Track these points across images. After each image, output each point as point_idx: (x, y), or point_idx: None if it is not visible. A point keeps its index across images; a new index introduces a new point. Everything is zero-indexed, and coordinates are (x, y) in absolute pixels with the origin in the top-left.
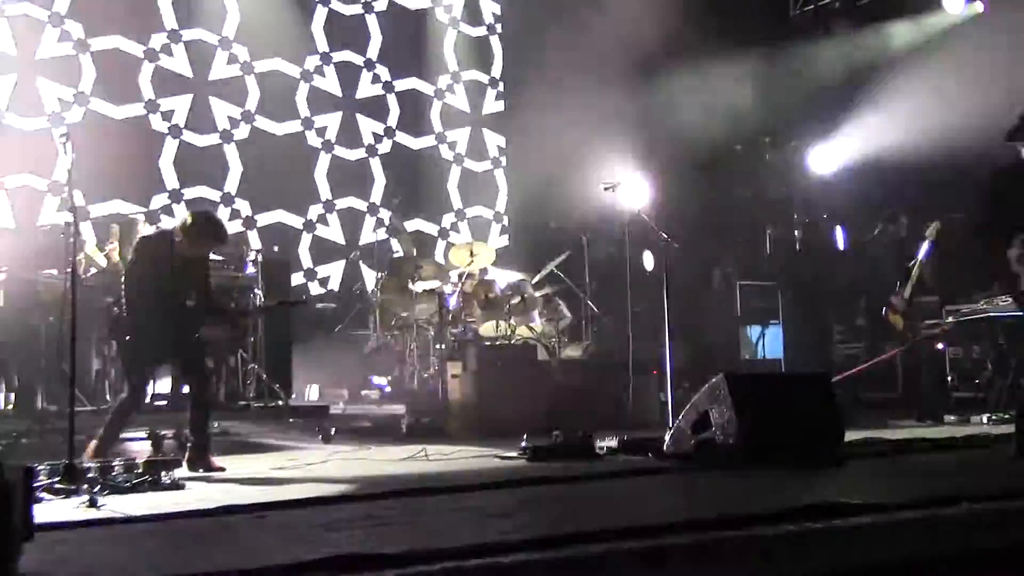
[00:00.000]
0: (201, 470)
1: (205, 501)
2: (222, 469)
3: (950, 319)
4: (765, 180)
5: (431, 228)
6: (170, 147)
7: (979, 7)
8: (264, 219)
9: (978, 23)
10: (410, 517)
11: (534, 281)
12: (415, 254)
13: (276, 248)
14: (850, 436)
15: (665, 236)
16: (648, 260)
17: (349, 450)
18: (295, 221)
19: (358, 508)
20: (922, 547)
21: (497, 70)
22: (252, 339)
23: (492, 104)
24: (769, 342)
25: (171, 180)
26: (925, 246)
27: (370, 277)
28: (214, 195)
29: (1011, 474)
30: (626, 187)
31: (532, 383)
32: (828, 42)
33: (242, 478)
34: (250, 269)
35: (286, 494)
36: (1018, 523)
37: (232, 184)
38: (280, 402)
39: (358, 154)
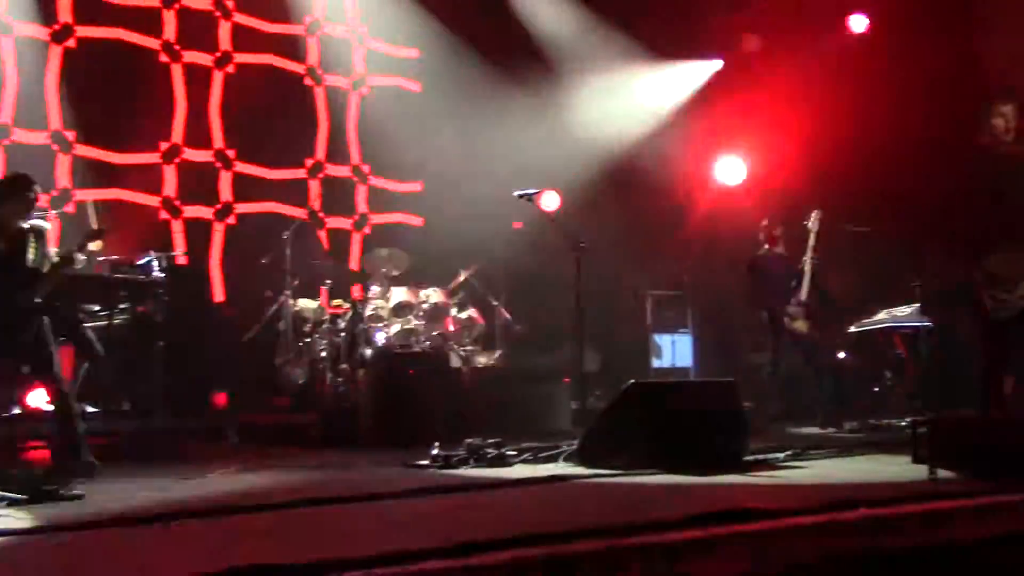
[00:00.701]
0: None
1: (102, 512)
2: (88, 476)
3: (853, 329)
4: (677, 190)
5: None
6: None
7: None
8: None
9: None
10: (318, 526)
11: (448, 288)
12: (328, 260)
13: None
14: (755, 443)
15: (578, 244)
16: (561, 269)
17: (256, 459)
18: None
19: (264, 518)
20: (821, 550)
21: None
22: (161, 344)
23: None
24: (679, 350)
25: None
26: (811, 239)
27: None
28: None
29: (906, 479)
30: (540, 196)
31: (444, 391)
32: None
33: (145, 488)
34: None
35: (190, 504)
36: (913, 526)
37: None
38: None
39: None
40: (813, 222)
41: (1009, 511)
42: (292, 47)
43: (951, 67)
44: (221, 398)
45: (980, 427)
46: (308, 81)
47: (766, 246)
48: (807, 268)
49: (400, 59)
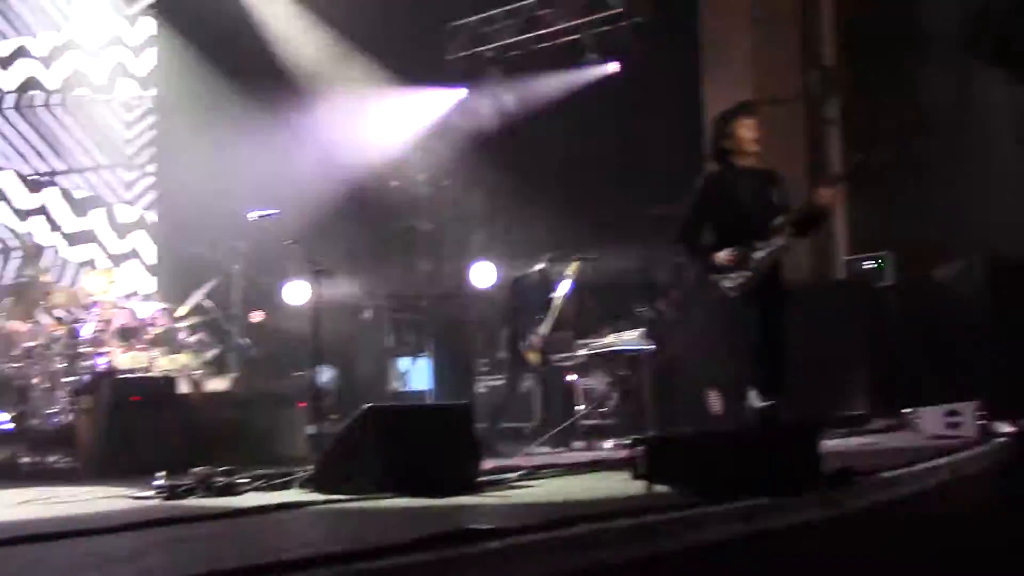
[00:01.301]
0: None
1: None
2: None
3: (582, 352)
4: (419, 215)
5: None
6: None
7: (616, 66)
8: None
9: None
10: (25, 566)
11: (178, 311)
12: (45, 277)
13: None
14: (489, 463)
15: (317, 267)
16: (300, 291)
17: None
18: None
19: None
20: (546, 567)
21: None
22: None
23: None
24: (418, 374)
25: None
26: (566, 284)
27: None
28: None
29: (627, 496)
30: (279, 216)
31: (173, 418)
32: (479, 89)
33: None
34: None
35: None
36: (632, 540)
37: None
38: None
39: None
40: (571, 269)
41: (714, 522)
42: None
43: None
44: None
45: (690, 443)
46: None
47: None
48: (554, 308)
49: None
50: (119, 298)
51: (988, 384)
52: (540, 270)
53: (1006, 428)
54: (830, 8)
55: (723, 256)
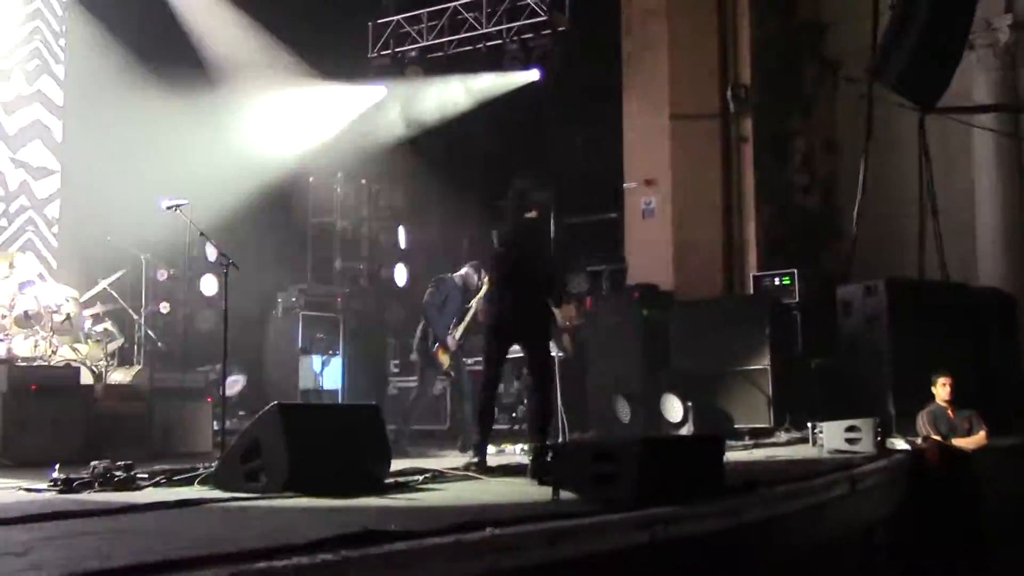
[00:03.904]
0: None
1: None
2: None
3: None
4: (336, 213)
5: None
6: None
7: (536, 74)
8: None
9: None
10: None
11: (83, 299)
12: None
13: None
14: (397, 465)
15: (227, 260)
16: (210, 284)
17: None
18: None
19: None
20: (449, 570)
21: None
22: None
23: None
24: (330, 373)
25: None
26: (482, 290)
27: None
28: None
29: (532, 502)
30: (191, 208)
31: (73, 409)
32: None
33: None
34: None
35: None
36: (535, 545)
37: None
38: None
39: None
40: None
41: (616, 530)
42: None
43: None
44: None
45: (595, 450)
46: None
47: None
48: (469, 314)
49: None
50: (21, 283)
51: (886, 400)
52: (463, 275)
53: (902, 444)
54: (747, 30)
55: None
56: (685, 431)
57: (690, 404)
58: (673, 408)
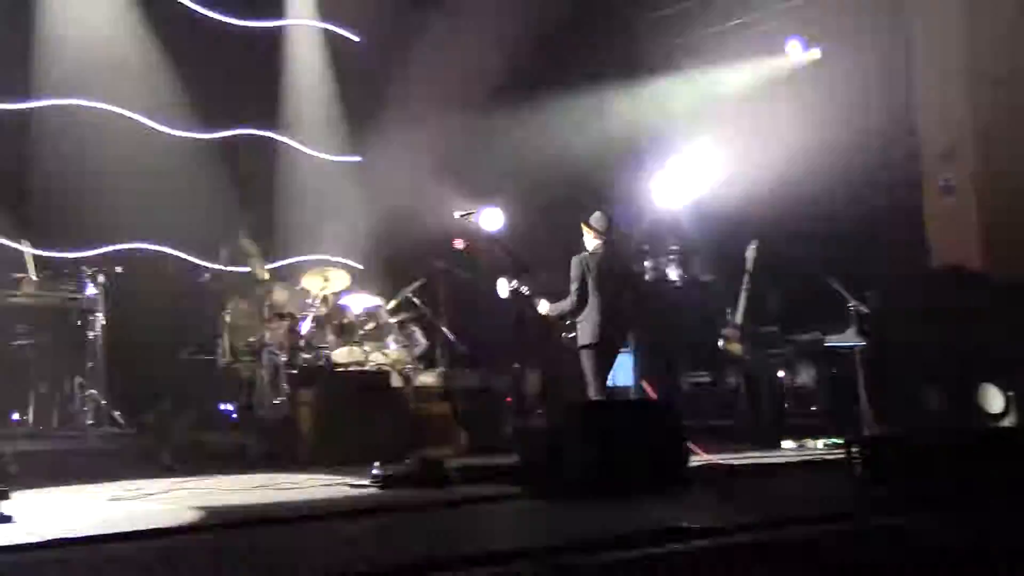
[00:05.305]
0: None
1: (34, 535)
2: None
3: (789, 347)
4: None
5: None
6: None
7: (817, 54)
8: None
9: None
10: (256, 548)
11: (389, 307)
12: (267, 277)
13: None
14: (694, 461)
15: (523, 265)
16: (503, 288)
17: (193, 479)
18: None
19: (201, 539)
20: (757, 568)
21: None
22: (91, 364)
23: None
24: (621, 370)
25: None
26: (749, 265)
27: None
28: None
29: (842, 497)
30: (482, 215)
31: (385, 410)
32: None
33: (77, 508)
34: (90, 290)
35: (123, 525)
36: (852, 543)
37: None
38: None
39: None
40: (751, 251)
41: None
42: None
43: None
44: None
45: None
46: None
47: None
48: (743, 295)
49: None
50: (334, 296)
51: None
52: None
53: None
54: None
55: None
56: (1007, 423)
57: (1011, 394)
58: (993, 398)
